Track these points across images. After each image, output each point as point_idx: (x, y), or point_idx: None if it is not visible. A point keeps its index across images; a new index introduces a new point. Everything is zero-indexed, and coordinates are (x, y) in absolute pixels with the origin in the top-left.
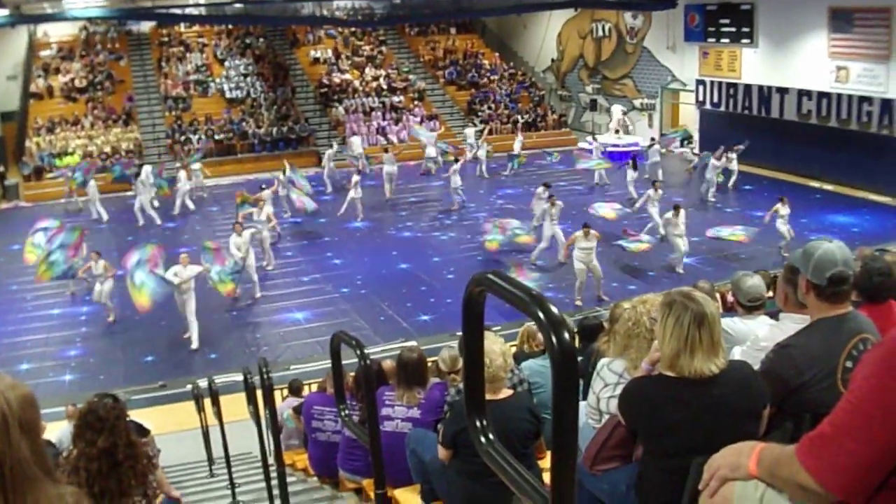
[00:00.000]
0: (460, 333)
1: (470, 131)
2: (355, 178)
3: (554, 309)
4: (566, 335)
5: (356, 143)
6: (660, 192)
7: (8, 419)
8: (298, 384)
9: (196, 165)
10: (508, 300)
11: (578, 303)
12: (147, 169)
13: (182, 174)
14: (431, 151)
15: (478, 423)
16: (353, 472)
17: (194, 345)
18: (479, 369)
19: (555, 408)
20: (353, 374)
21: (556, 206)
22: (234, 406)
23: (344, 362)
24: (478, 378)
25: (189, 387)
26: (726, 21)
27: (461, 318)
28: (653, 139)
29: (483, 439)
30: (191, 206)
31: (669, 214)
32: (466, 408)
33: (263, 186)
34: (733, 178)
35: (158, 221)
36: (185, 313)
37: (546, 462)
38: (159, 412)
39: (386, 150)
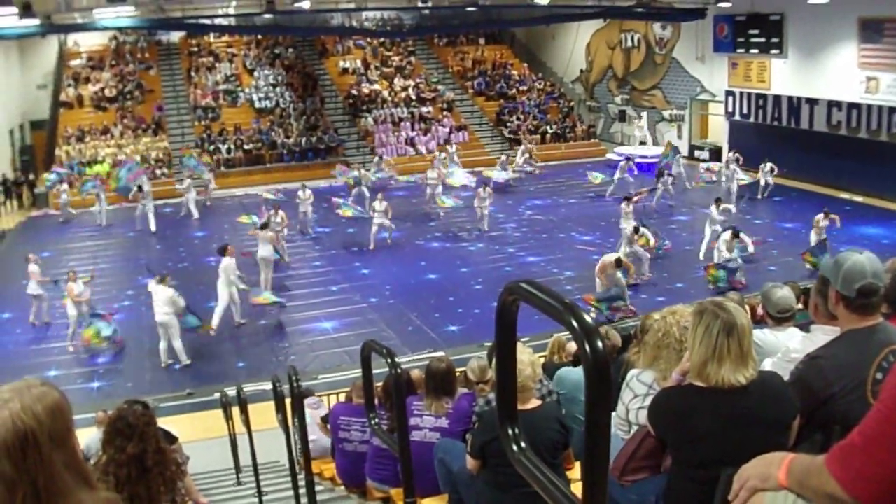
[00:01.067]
0: (488, 344)
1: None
2: (379, 205)
3: (587, 318)
4: (599, 344)
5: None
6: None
7: (37, 436)
8: (310, 392)
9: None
10: (541, 309)
11: (593, 314)
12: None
13: (187, 181)
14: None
15: (510, 432)
16: (381, 481)
17: (183, 361)
18: (511, 378)
19: (588, 416)
20: (380, 383)
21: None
22: (262, 414)
23: (373, 372)
24: (510, 387)
25: (216, 395)
26: (755, 31)
27: (494, 327)
28: (675, 147)
29: (515, 447)
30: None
31: (728, 236)
32: (498, 416)
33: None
34: (767, 189)
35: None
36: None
37: (574, 473)
38: (187, 420)
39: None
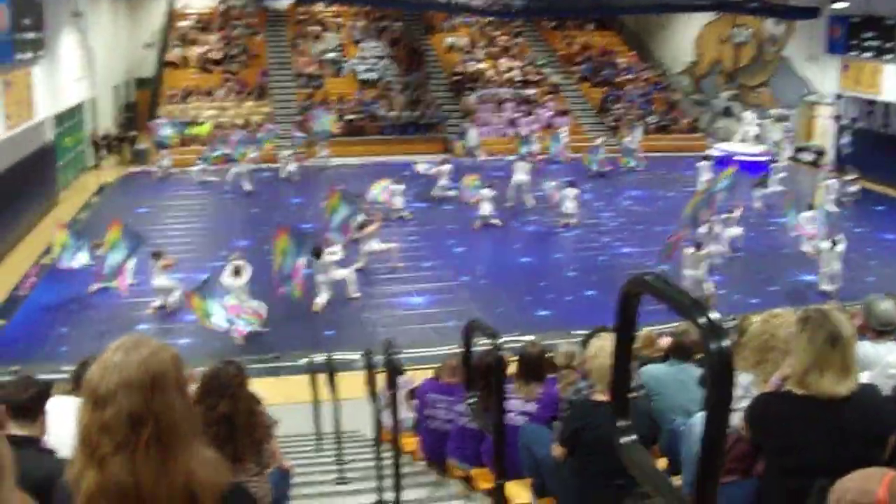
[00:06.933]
0: (578, 332)
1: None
2: (485, 192)
3: (716, 316)
4: (725, 343)
5: (473, 136)
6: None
7: (166, 379)
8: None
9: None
10: (667, 304)
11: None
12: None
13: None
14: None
15: (621, 424)
16: (462, 459)
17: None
18: (626, 370)
19: (708, 416)
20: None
21: None
22: (345, 384)
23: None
24: (625, 379)
25: (302, 361)
26: (869, 34)
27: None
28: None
29: (627, 440)
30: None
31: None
32: (613, 408)
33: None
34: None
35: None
36: None
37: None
38: (269, 383)
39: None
